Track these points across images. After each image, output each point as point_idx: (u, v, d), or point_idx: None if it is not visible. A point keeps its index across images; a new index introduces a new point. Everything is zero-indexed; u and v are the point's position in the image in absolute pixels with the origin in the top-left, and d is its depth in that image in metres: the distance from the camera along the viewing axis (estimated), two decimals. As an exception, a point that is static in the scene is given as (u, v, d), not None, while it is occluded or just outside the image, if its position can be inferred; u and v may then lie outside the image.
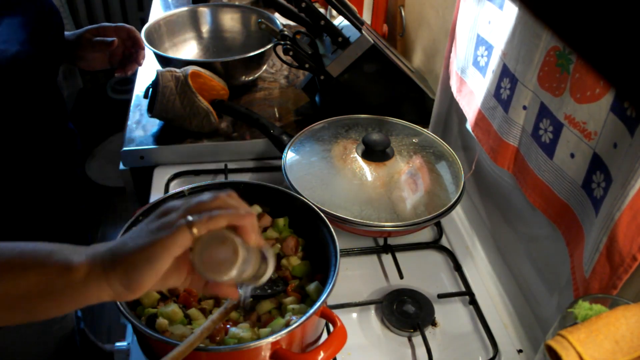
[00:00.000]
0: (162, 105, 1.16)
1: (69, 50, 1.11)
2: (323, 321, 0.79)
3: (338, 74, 1.17)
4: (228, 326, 0.75)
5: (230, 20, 1.53)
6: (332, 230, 0.83)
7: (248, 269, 0.58)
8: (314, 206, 0.87)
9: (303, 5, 1.14)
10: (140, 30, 1.36)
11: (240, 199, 0.60)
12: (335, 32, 1.16)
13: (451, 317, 0.93)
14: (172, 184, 1.15)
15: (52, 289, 0.53)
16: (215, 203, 0.57)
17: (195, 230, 0.54)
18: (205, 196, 0.57)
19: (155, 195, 1.12)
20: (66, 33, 1.14)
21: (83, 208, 1.14)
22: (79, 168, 1.09)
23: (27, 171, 0.93)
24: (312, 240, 0.87)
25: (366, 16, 1.59)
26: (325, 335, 0.82)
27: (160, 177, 1.16)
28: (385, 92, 1.22)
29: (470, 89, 1.00)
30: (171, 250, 0.53)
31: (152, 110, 1.18)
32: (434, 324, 0.91)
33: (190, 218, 0.54)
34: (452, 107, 1.18)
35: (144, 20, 2.73)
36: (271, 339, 0.68)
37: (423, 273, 1.00)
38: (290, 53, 1.15)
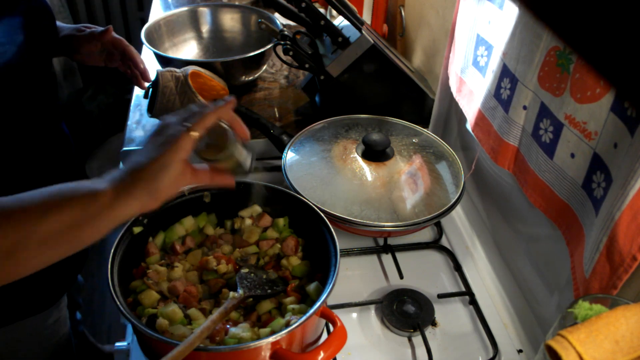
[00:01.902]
0: (162, 105, 1.16)
1: (63, 43, 1.11)
2: (323, 321, 0.79)
3: (338, 74, 1.17)
4: (228, 326, 0.75)
5: (230, 20, 1.53)
6: (332, 230, 0.83)
7: (236, 154, 0.73)
8: (314, 206, 0.87)
9: (303, 5, 1.14)
10: (140, 30, 1.36)
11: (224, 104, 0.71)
12: (335, 32, 1.16)
13: (451, 317, 0.93)
14: (172, 184, 1.15)
15: (86, 217, 0.60)
16: (200, 109, 0.69)
17: (193, 133, 0.65)
18: (194, 106, 0.70)
19: (155, 195, 1.11)
20: (63, 25, 1.13)
21: None
22: (76, 170, 1.09)
23: (21, 177, 0.93)
24: (312, 240, 0.87)
25: (366, 16, 1.59)
26: (325, 335, 0.82)
27: (160, 177, 1.16)
28: (385, 92, 1.22)
29: (470, 89, 1.00)
30: (180, 154, 0.64)
31: (152, 110, 1.18)
32: (434, 324, 0.91)
33: (187, 124, 0.65)
34: (452, 107, 1.18)
35: (144, 20, 2.73)
36: (271, 339, 0.68)
37: (423, 273, 1.00)
38: (290, 53, 1.15)
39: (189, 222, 0.90)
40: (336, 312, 0.77)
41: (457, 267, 1.01)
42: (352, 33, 1.17)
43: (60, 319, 1.11)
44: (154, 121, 1.25)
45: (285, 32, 1.20)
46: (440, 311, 0.92)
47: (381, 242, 1.04)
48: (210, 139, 0.71)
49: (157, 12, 1.77)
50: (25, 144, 0.92)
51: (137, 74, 1.14)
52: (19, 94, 0.87)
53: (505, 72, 0.87)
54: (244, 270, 0.84)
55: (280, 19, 1.43)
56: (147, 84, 1.18)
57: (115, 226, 0.63)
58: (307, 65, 1.17)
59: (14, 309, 0.99)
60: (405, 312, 0.91)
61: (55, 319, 1.09)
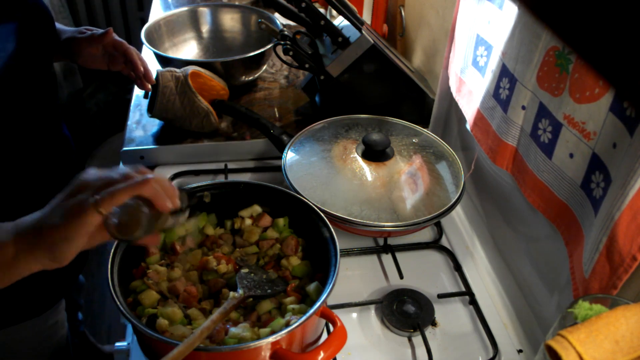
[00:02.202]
0: (162, 105, 1.16)
1: (65, 46, 1.10)
2: (323, 321, 0.79)
3: (338, 74, 1.17)
4: (228, 326, 0.75)
5: (230, 20, 1.53)
6: (332, 230, 0.83)
7: (158, 224, 0.66)
8: (314, 206, 0.87)
9: (303, 5, 1.14)
10: (140, 30, 1.36)
11: (146, 169, 0.66)
12: (335, 32, 1.16)
13: (451, 317, 0.93)
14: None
15: None
16: (121, 179, 0.62)
17: (102, 210, 0.59)
18: (114, 173, 0.64)
19: (155, 195, 1.11)
20: (65, 27, 1.12)
21: None
22: (77, 171, 1.08)
23: (21, 179, 0.93)
24: (312, 240, 0.87)
25: (366, 16, 1.59)
26: (325, 335, 0.82)
27: (160, 177, 1.16)
28: (385, 92, 1.22)
29: (470, 89, 1.01)
30: (84, 230, 0.59)
31: (152, 110, 1.18)
32: (434, 324, 0.91)
33: (96, 197, 0.60)
34: (452, 107, 1.18)
35: (144, 20, 2.73)
36: (271, 339, 0.68)
37: (423, 273, 1.00)
38: (290, 53, 1.15)
39: (189, 222, 0.90)
40: (336, 312, 0.77)
41: (457, 267, 1.01)
42: (352, 33, 1.17)
43: (59, 322, 1.11)
44: (154, 121, 1.25)
45: (285, 32, 1.20)
46: (440, 311, 0.92)
47: (381, 242, 1.04)
48: (122, 217, 0.62)
49: (157, 12, 1.77)
50: (24, 146, 0.92)
51: (140, 76, 1.13)
52: (13, 100, 0.86)
53: (504, 72, 0.87)
54: (244, 270, 0.84)
55: (280, 19, 1.43)
56: (150, 86, 1.17)
57: (15, 279, 0.61)
58: (307, 65, 1.17)
59: (12, 311, 0.98)
60: (405, 312, 0.91)
61: (53, 321, 1.09)
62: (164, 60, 1.32)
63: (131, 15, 2.94)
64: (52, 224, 0.60)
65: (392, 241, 1.04)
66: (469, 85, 1.01)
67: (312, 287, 0.81)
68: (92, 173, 0.63)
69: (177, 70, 1.19)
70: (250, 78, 1.39)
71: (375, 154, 1.02)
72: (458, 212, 1.14)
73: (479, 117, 0.96)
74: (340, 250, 0.80)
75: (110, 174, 0.63)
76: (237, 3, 1.68)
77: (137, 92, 1.37)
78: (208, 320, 0.71)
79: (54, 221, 0.60)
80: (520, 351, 0.89)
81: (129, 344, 0.97)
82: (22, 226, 0.61)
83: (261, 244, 0.89)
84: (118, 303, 0.72)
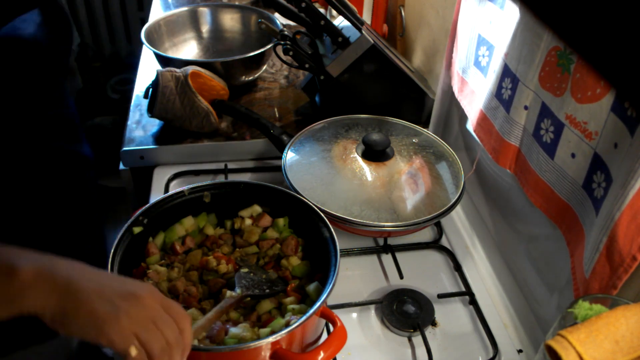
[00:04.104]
0: (162, 105, 1.16)
1: None
2: (323, 321, 0.79)
3: (338, 74, 1.16)
4: (228, 326, 0.75)
5: (230, 20, 1.53)
6: (332, 230, 0.83)
7: None
8: (314, 206, 0.87)
9: (303, 5, 1.14)
10: (140, 30, 1.36)
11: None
12: (335, 32, 1.16)
13: (451, 317, 0.93)
14: (172, 184, 1.15)
15: None
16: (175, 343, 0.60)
17: (133, 351, 0.56)
18: (169, 331, 0.59)
19: (155, 195, 1.11)
20: None
21: (94, 216, 1.12)
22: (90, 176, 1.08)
23: (33, 176, 0.93)
24: (312, 240, 0.87)
25: (366, 16, 1.58)
26: (325, 335, 0.82)
27: (160, 177, 1.16)
28: (385, 92, 1.22)
29: (472, 89, 1.00)
30: (109, 340, 0.55)
31: (152, 110, 1.18)
32: (434, 324, 0.91)
33: (136, 343, 0.56)
34: (453, 107, 1.18)
35: (144, 20, 2.72)
36: (271, 339, 0.68)
37: (423, 273, 1.00)
38: (290, 53, 1.15)
39: (189, 222, 0.90)
40: (336, 312, 0.77)
41: (457, 267, 1.01)
42: (352, 33, 1.17)
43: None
44: (154, 121, 1.25)
45: (285, 32, 1.20)
46: (440, 311, 0.92)
47: (381, 242, 1.04)
48: None
49: (157, 12, 1.77)
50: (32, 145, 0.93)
51: None
52: (34, 75, 0.86)
53: (506, 72, 0.87)
54: (244, 270, 0.84)
55: (280, 19, 1.43)
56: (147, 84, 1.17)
57: (15, 313, 0.53)
58: (307, 65, 1.17)
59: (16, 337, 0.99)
60: (405, 312, 0.91)
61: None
62: (164, 60, 1.32)
63: (131, 15, 2.93)
64: (93, 306, 0.55)
65: (392, 241, 1.04)
66: (471, 85, 1.01)
67: (312, 287, 0.81)
68: (153, 308, 0.59)
69: (177, 70, 1.18)
70: (250, 78, 1.39)
71: (375, 154, 1.02)
72: (458, 212, 1.14)
73: (482, 117, 0.96)
74: (340, 250, 0.80)
75: (166, 323, 0.59)
76: (237, 3, 1.67)
77: (137, 92, 1.37)
78: (203, 319, 0.71)
79: (98, 306, 0.55)
80: (520, 351, 0.89)
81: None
82: (57, 267, 0.55)
83: (261, 244, 0.89)
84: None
